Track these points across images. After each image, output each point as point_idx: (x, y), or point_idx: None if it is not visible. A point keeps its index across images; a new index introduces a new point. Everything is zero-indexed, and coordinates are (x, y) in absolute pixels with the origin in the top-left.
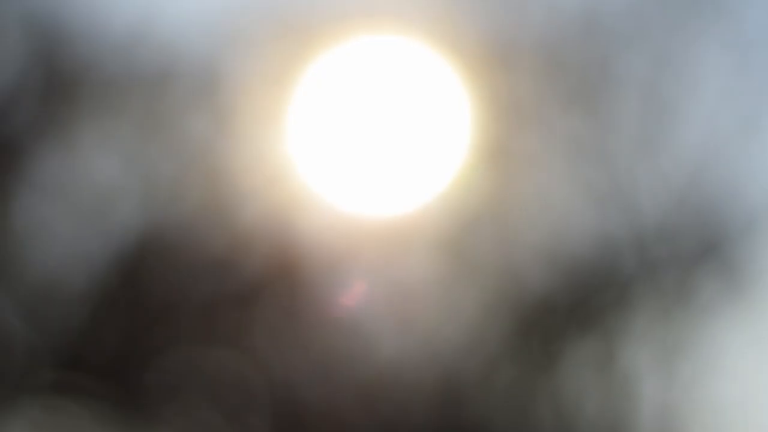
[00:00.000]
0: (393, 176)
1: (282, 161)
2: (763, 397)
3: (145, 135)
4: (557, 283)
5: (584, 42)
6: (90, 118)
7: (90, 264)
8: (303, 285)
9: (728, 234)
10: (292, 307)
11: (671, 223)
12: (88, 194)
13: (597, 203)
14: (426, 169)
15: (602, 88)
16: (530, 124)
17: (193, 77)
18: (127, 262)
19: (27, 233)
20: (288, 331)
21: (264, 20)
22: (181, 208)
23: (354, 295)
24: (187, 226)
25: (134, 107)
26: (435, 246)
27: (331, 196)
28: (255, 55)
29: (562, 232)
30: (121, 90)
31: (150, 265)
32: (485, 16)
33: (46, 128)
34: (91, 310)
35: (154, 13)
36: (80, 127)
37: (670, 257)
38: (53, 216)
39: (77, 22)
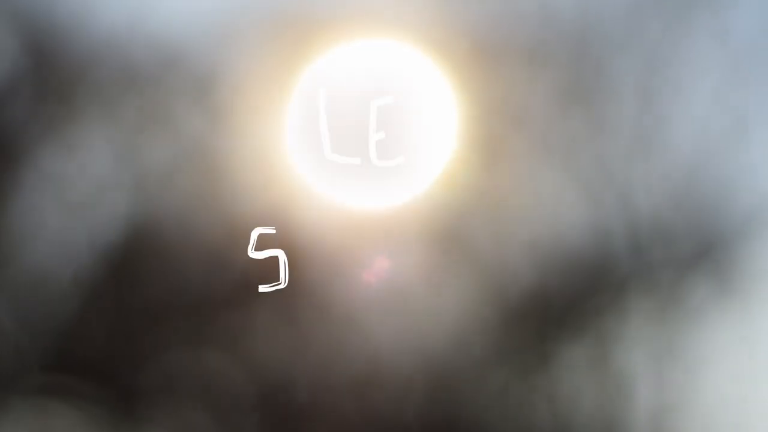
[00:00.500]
0: (388, 173)
1: (278, 159)
2: (756, 398)
3: (142, 132)
4: (551, 283)
5: (578, 41)
6: (85, 115)
7: (82, 262)
8: (298, 282)
9: (723, 235)
10: (287, 305)
11: (666, 224)
12: (82, 192)
13: (591, 204)
14: (419, 165)
15: (596, 88)
16: (524, 122)
17: (191, 74)
18: (121, 261)
19: (19, 231)
20: (283, 329)
21: (262, 18)
22: (177, 206)
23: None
24: (183, 224)
25: (130, 104)
26: (428, 242)
27: (325, 192)
28: (252, 52)
29: (556, 233)
30: (117, 87)
31: (144, 264)
32: (477, 14)
33: (40, 125)
34: (83, 310)
35: (151, 8)
36: (75, 125)
37: (665, 258)
38: (47, 214)
39: (72, 18)
